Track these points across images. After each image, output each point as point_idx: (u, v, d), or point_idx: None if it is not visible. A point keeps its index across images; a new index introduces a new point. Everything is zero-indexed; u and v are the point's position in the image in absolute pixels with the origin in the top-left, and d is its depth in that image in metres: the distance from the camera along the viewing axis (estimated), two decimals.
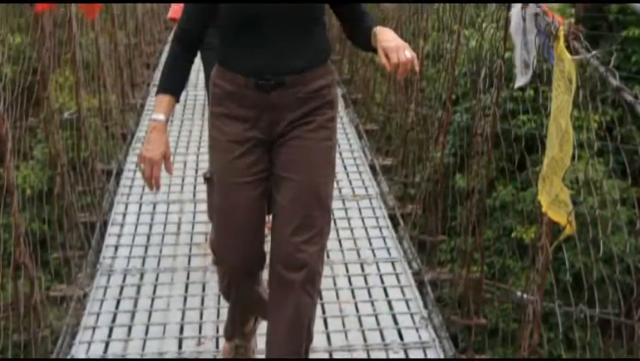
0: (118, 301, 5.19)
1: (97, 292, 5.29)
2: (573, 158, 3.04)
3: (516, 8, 3.60)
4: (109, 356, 4.67)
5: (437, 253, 6.20)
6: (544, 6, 3.39)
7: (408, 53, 2.95)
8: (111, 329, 4.92)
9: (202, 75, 6.08)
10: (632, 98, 2.64)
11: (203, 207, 6.04)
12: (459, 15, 5.74)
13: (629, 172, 10.01)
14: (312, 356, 3.93)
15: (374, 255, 5.72)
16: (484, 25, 5.19)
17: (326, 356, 4.65)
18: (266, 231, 3.56)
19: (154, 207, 6.42)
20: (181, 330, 4.90)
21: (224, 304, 4.57)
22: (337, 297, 5.21)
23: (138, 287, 5.33)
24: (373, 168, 7.26)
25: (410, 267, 5.61)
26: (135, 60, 10.07)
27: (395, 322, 4.99)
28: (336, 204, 6.01)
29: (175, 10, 4.53)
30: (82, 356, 4.68)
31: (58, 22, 6.01)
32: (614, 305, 6.78)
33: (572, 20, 3.04)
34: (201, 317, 5.01)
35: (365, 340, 4.81)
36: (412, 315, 5.06)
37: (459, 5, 5.72)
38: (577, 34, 2.96)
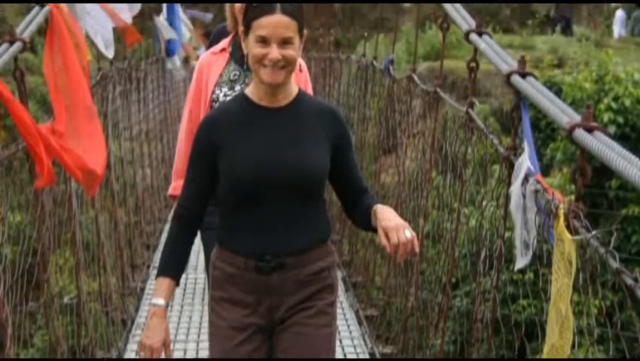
0: None
1: None
2: (573, 345, 2.99)
3: (516, 185, 3.62)
4: None
5: None
6: (544, 182, 3.41)
7: (408, 233, 2.96)
8: None
9: (202, 256, 6.06)
10: (632, 281, 2.63)
11: None
12: (459, 192, 5.75)
13: None
14: None
15: None
16: (484, 203, 5.18)
17: None
18: None
19: None
20: None
21: None
22: None
23: None
24: (373, 356, 7.13)
25: None
26: (136, 240, 10.04)
27: None
28: None
29: (175, 188, 4.53)
30: None
31: (58, 199, 6.01)
32: None
33: (572, 198, 3.05)
34: None
35: None
36: None
37: (459, 182, 5.74)
38: (577, 213, 2.97)
